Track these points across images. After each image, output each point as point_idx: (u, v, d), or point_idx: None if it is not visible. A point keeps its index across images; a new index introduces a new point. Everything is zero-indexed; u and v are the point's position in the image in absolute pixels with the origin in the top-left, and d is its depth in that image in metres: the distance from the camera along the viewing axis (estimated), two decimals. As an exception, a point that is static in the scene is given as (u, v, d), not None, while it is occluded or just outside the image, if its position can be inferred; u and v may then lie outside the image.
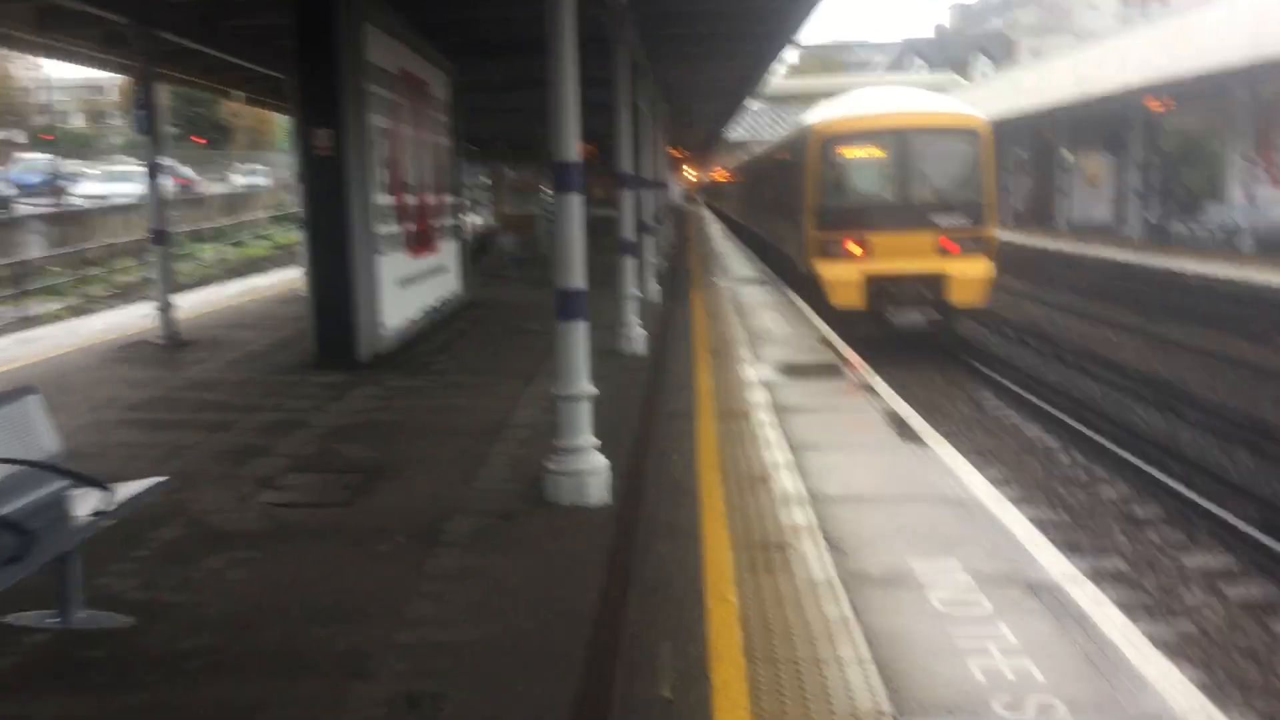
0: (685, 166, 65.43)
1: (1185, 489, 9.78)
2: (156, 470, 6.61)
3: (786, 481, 6.41)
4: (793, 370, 10.29)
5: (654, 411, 8.45)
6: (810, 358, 11.05)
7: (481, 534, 5.46)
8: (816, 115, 19.42)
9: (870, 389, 9.38)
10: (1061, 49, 38.25)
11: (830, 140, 17.30)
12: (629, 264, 11.76)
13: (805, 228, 17.64)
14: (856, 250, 16.65)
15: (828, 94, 64.56)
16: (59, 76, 69.16)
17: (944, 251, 16.58)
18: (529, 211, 29.32)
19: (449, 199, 15.15)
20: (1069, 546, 8.17)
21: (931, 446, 7.22)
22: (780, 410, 8.46)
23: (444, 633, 4.24)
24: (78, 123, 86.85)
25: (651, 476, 6.59)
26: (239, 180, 53.26)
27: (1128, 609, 5.59)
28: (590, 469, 6.00)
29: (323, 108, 9.93)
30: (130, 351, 11.45)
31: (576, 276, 6.19)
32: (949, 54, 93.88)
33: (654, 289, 16.09)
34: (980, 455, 11.32)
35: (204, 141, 74.00)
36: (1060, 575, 4.81)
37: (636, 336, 11.31)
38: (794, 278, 19.11)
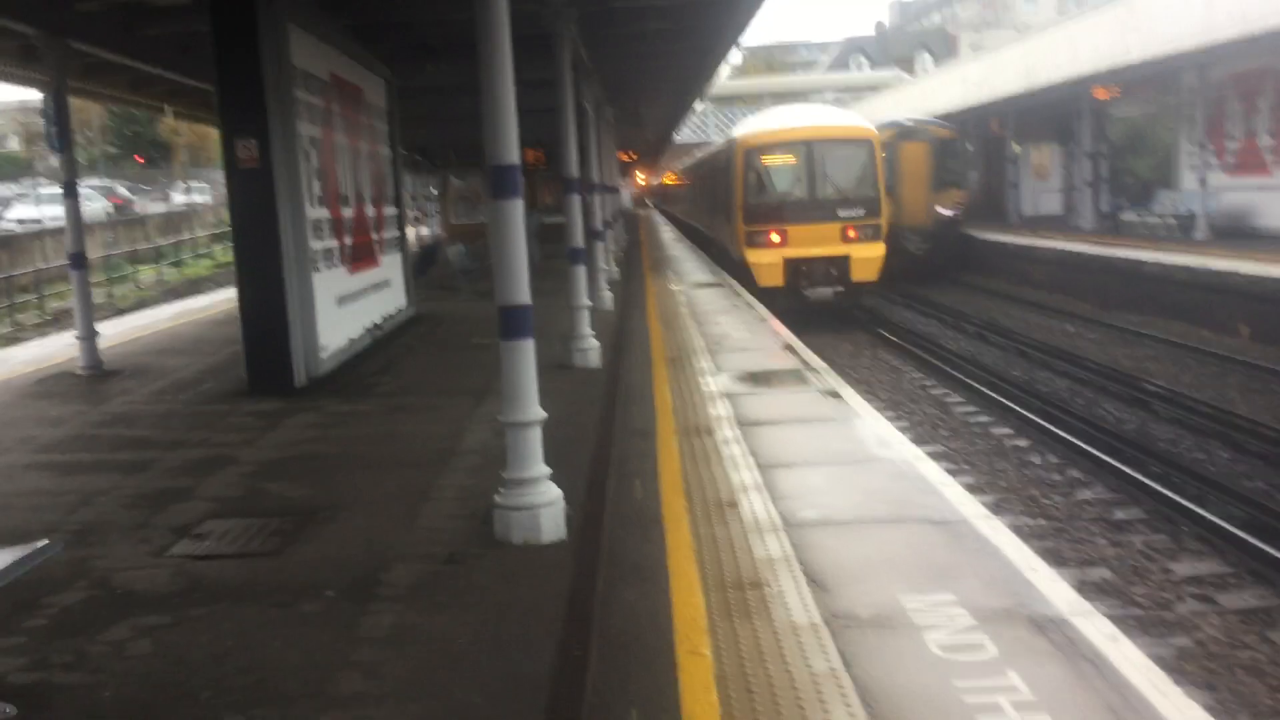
0: (635, 170, 64.97)
1: (1167, 489, 9.43)
2: (64, 522, 6.02)
3: (757, 505, 5.90)
4: (755, 379, 9.80)
5: (611, 430, 7.92)
6: (772, 365, 10.58)
7: (424, 584, 4.89)
8: (741, 129, 23.31)
9: (836, 395, 8.92)
10: (1003, 42, 38.17)
11: (752, 150, 21.04)
12: (580, 272, 11.23)
13: (736, 222, 21.29)
14: (777, 239, 20.34)
15: (772, 94, 65.06)
16: (-10, 98, 67.15)
17: (846, 238, 20.27)
18: (477, 221, 28.67)
19: (390, 210, 14.51)
20: (1055, 558, 7.78)
21: (909, 459, 6.75)
22: (745, 424, 7.96)
23: (376, 712, 3.67)
24: (13, 145, 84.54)
25: (611, 505, 6.06)
26: (179, 198, 51.96)
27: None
28: (543, 502, 5.44)
29: (246, 116, 9.29)
30: (50, 384, 10.70)
31: (520, 290, 5.62)
32: (891, 51, 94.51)
33: (607, 296, 15.55)
34: (953, 461, 10.93)
35: (143, 160, 72.44)
36: (1066, 607, 4.34)
37: (590, 348, 10.77)
38: (730, 265, 22.35)
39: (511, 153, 5.55)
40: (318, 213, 10.46)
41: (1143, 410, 12.84)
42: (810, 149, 20.55)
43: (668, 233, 41.62)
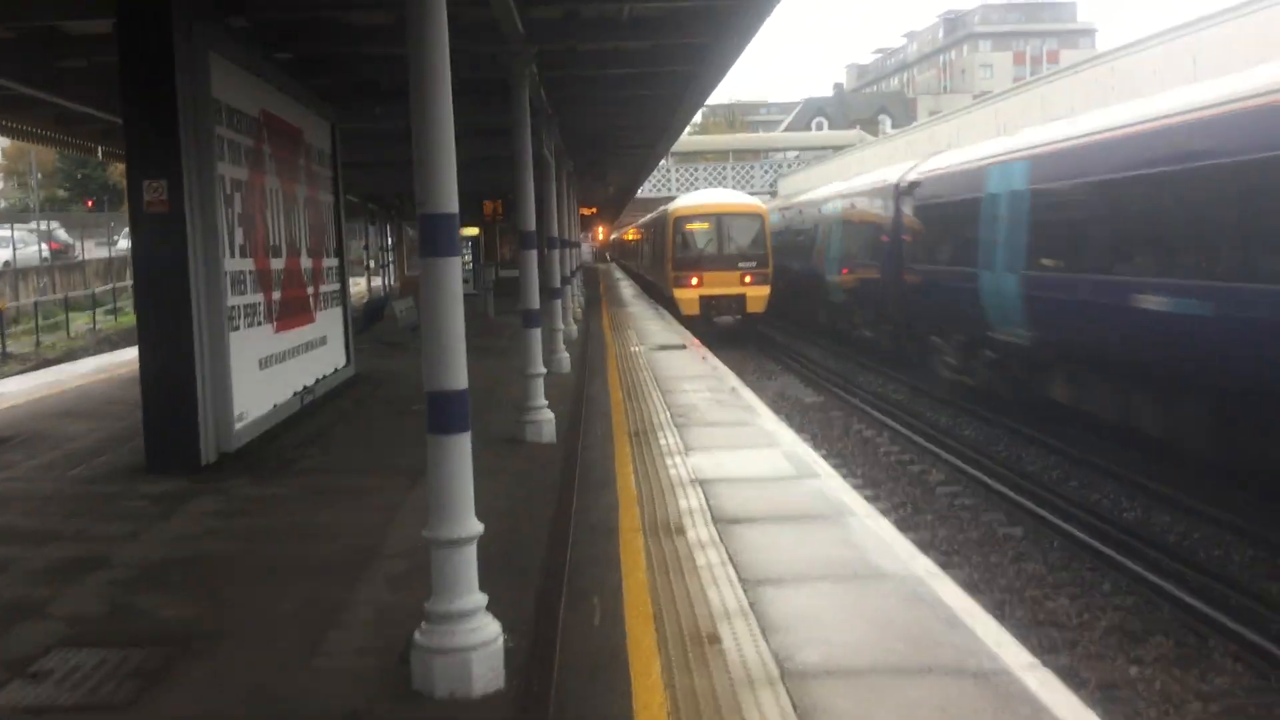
0: (596, 225, 64.30)
1: None
2: None
3: (745, 641, 4.75)
4: (730, 462, 8.67)
5: (566, 526, 6.75)
6: (748, 443, 9.46)
7: (310, 764, 3.69)
8: (673, 204, 31.70)
9: (816, 475, 7.83)
10: (956, 108, 37.81)
11: (680, 219, 29.28)
12: (535, 336, 10.13)
13: (667, 269, 29.27)
14: (695, 282, 28.05)
15: (735, 150, 65.39)
16: (-65, 137, 65.15)
17: (743, 282, 27.90)
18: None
19: (331, 261, 13.33)
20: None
21: (920, 575, 5.64)
22: (721, 521, 6.82)
23: None
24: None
25: (564, 635, 4.90)
26: (124, 244, 50.30)
27: None
28: (476, 643, 4.27)
29: (156, 154, 8.14)
30: (-77, 453, 9.35)
31: (455, 372, 4.50)
32: (850, 113, 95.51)
33: (565, 359, 14.46)
34: (971, 576, 9.83)
35: (93, 205, 70.63)
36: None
37: (544, 420, 9.65)
38: (662, 300, 29.92)
39: (448, 199, 4.44)
40: (239, 264, 9.28)
41: None
42: (720, 219, 28.66)
43: (628, 289, 40.61)
